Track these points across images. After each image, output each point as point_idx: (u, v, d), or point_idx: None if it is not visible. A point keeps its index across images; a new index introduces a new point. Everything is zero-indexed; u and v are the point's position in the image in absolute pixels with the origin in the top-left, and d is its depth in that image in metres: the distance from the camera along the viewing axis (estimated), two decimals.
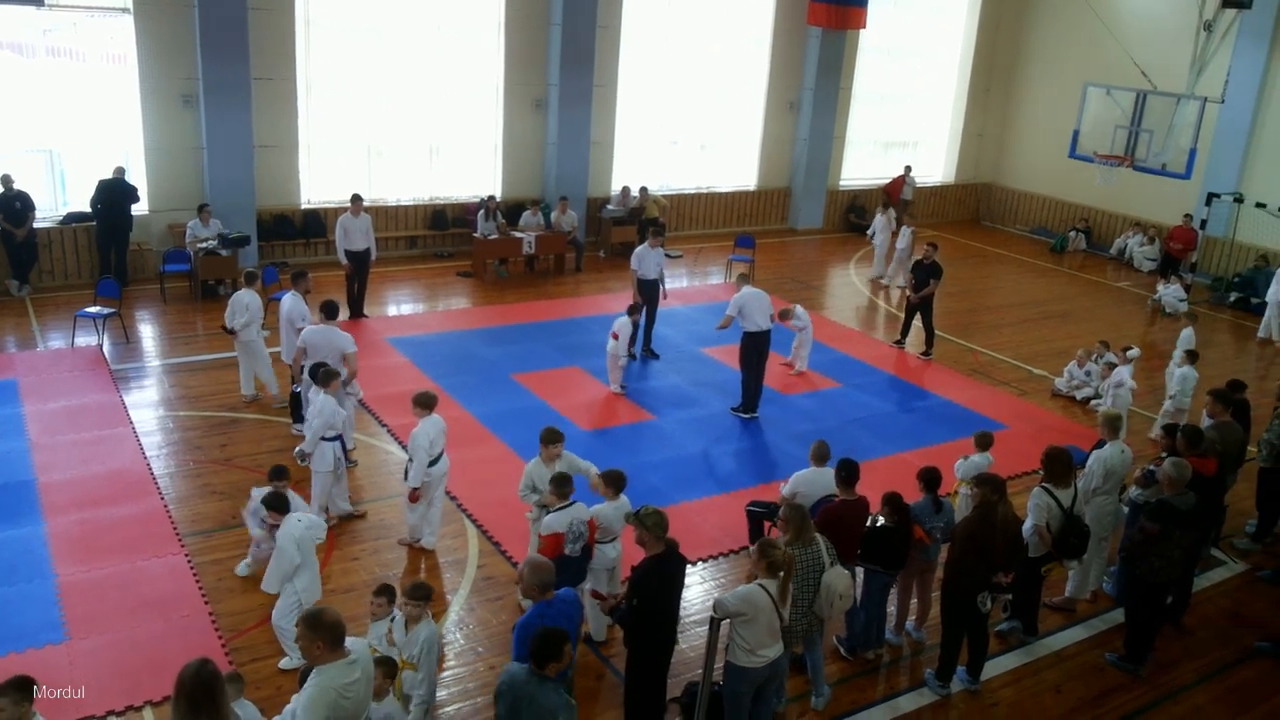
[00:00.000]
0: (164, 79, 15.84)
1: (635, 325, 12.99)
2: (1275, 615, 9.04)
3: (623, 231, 19.64)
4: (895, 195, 23.56)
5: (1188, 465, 7.88)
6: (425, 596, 6.40)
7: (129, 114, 15.92)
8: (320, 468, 9.08)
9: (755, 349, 12.18)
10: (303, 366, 10.08)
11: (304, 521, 7.35)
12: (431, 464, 8.77)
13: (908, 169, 23.75)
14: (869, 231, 19.58)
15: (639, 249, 14.16)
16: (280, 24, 16.58)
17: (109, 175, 15.23)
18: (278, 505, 7.45)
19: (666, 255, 19.90)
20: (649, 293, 14.06)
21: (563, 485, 7.49)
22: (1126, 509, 9.05)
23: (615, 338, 12.64)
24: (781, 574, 6.27)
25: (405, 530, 9.17)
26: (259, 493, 8.10)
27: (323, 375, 9.21)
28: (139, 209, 16.21)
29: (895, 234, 18.98)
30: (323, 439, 9.02)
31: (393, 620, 6.61)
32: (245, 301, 11.35)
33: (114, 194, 15.18)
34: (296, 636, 4.99)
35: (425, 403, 8.81)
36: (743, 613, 6.20)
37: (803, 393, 13.38)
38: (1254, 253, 19.88)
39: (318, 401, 9.02)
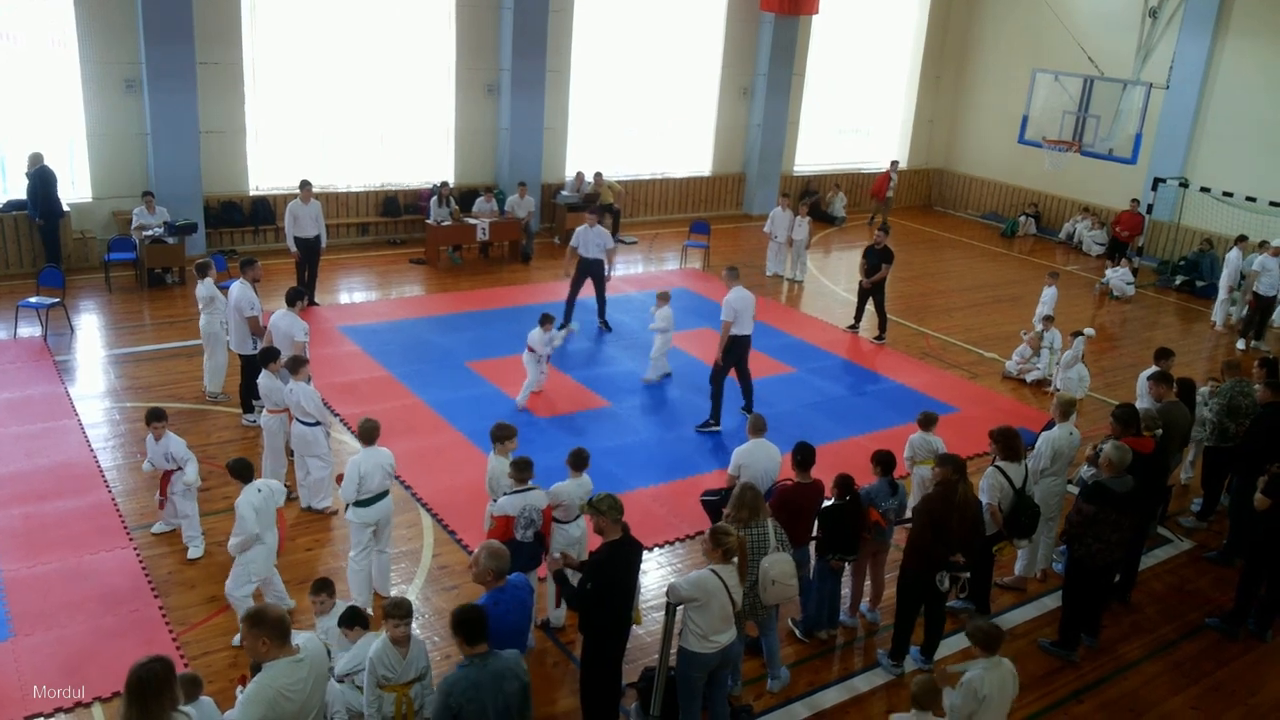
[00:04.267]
0: (106, 63, 15.50)
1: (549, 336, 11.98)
2: (1218, 591, 9.25)
3: (577, 218, 19.48)
4: (881, 194, 23.09)
5: (1128, 450, 7.96)
6: (409, 613, 5.96)
7: (70, 99, 15.55)
8: (316, 452, 9.15)
9: (739, 353, 11.71)
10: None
11: (263, 490, 7.26)
12: (365, 503, 7.80)
13: (894, 164, 23.59)
14: (766, 228, 18.40)
15: (579, 228, 14.23)
16: (226, 6, 16.27)
17: (32, 169, 14.65)
18: (239, 473, 7.31)
19: (621, 241, 19.97)
20: (588, 271, 14.11)
21: (522, 470, 7.45)
22: (1078, 489, 9.20)
23: (531, 350, 11.93)
24: (735, 559, 6.30)
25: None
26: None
27: (291, 362, 9.11)
28: (82, 195, 15.90)
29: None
30: (305, 424, 9.01)
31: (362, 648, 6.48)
32: (204, 294, 11.18)
33: (48, 184, 14.77)
34: (240, 635, 4.91)
35: (366, 434, 7.90)
36: (695, 598, 6.22)
37: (756, 378, 13.39)
38: (1199, 236, 20.24)
39: (305, 393, 8.92)
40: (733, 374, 12.03)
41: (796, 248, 17.94)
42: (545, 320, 11.97)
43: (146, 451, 8.70)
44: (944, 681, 5.99)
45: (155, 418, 8.45)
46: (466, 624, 5.17)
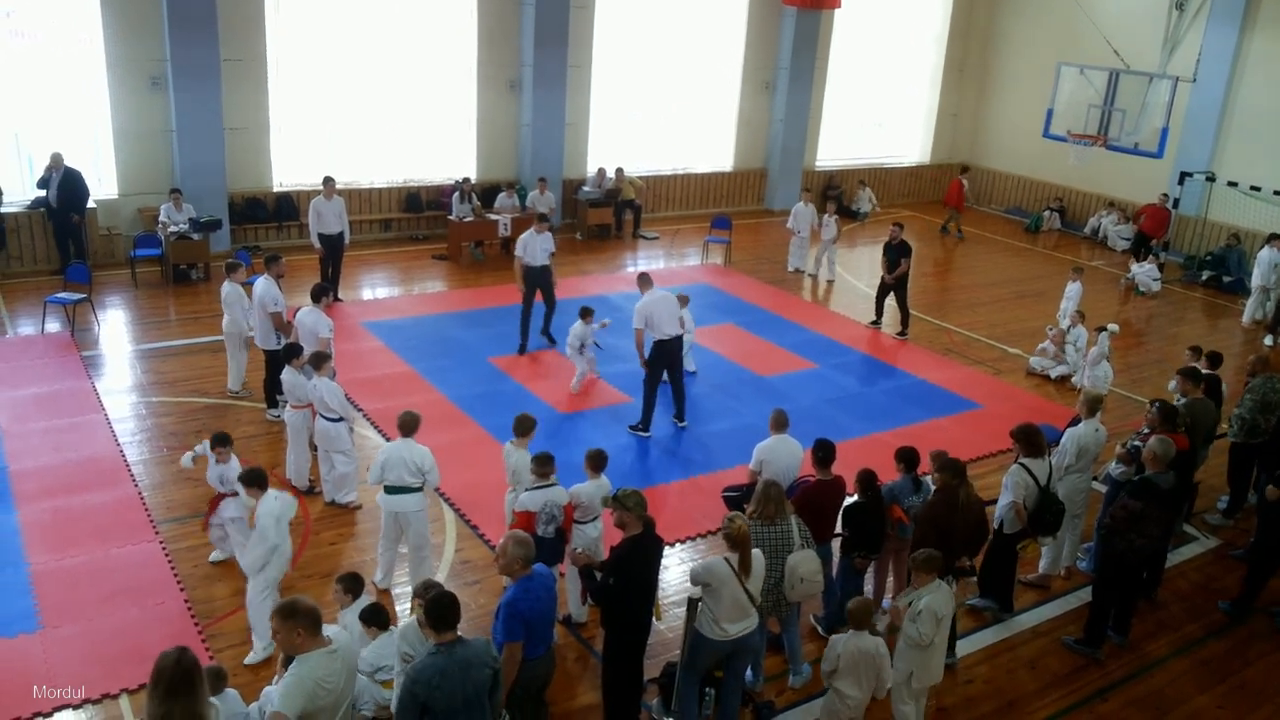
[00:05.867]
0: (131, 60, 15.62)
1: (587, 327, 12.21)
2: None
3: (599, 213, 19.58)
4: (960, 203, 22.13)
5: (1173, 444, 7.94)
6: None
7: (97, 96, 15.69)
8: (340, 447, 9.22)
9: (664, 359, 11.19)
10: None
11: (280, 499, 7.24)
12: (387, 490, 8.01)
13: (965, 169, 23.05)
14: (788, 224, 18.27)
15: (524, 235, 13.48)
16: (249, 3, 16.37)
17: (55, 170, 14.71)
18: (256, 481, 7.26)
19: (642, 236, 19.97)
20: (534, 279, 13.43)
21: (544, 465, 7.48)
22: (1106, 486, 9.14)
23: (573, 347, 12.15)
24: (738, 550, 6.31)
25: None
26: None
27: (314, 358, 9.17)
28: (109, 192, 16.04)
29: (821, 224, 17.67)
30: (328, 420, 9.09)
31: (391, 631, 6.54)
32: (226, 294, 11.27)
33: (76, 184, 14.90)
34: (274, 629, 4.93)
35: (400, 424, 8.15)
36: (707, 582, 6.31)
37: (778, 374, 13.40)
38: (1226, 231, 20.03)
39: (329, 389, 9.02)
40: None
41: (827, 248, 17.70)
42: (585, 313, 12.13)
43: (206, 464, 8.31)
44: (897, 618, 6.69)
45: (221, 442, 8.09)
46: (437, 610, 5.11)
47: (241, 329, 11.36)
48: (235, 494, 7.99)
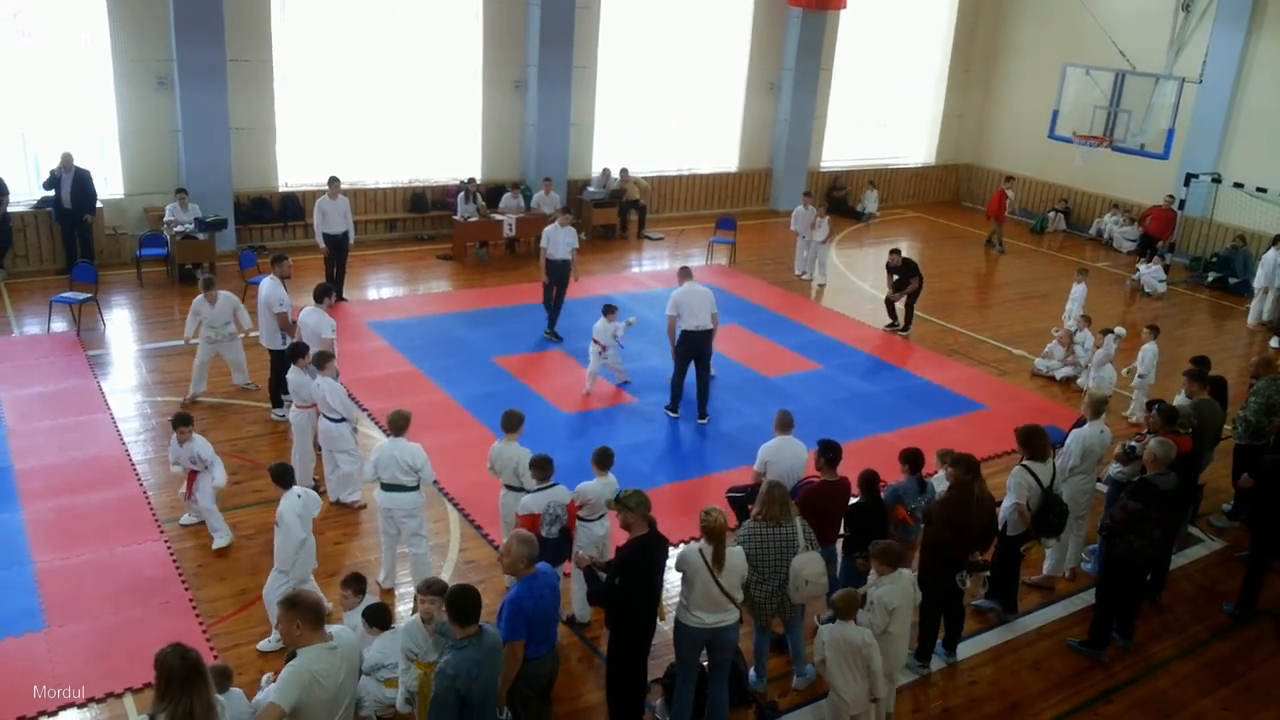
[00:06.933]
0: (138, 61, 15.65)
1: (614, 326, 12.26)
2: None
3: (604, 214, 19.58)
4: (1001, 214, 21.11)
5: (1173, 445, 7.92)
6: (440, 592, 6.00)
7: (104, 97, 15.72)
8: (343, 447, 9.24)
9: (692, 349, 11.48)
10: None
11: (303, 496, 7.28)
12: (382, 488, 8.03)
13: (1010, 180, 22.44)
14: (792, 225, 18.07)
15: (548, 228, 13.72)
16: (256, 4, 16.39)
17: (65, 171, 14.68)
18: (280, 479, 7.31)
19: (646, 237, 19.97)
20: (557, 273, 13.67)
21: (543, 468, 7.49)
22: (1107, 487, 9.13)
23: (595, 342, 12.18)
24: (713, 543, 6.36)
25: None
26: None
27: (318, 358, 9.19)
28: (114, 192, 16.07)
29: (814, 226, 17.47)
30: (331, 420, 9.11)
31: (393, 628, 6.58)
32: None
33: (84, 182, 14.93)
34: (277, 618, 4.97)
35: (391, 424, 8.14)
36: (681, 569, 6.45)
37: (783, 374, 13.40)
38: (1232, 233, 19.98)
39: (331, 388, 9.02)
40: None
41: (817, 250, 17.57)
42: (608, 310, 12.17)
43: (169, 455, 8.84)
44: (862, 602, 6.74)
45: (182, 422, 8.53)
46: (462, 604, 5.24)
47: (209, 340, 11.43)
48: (206, 468, 8.55)
